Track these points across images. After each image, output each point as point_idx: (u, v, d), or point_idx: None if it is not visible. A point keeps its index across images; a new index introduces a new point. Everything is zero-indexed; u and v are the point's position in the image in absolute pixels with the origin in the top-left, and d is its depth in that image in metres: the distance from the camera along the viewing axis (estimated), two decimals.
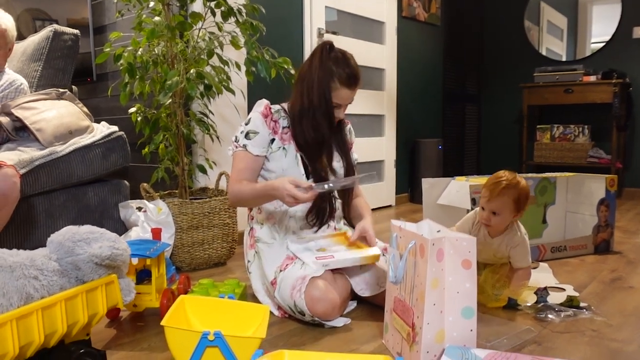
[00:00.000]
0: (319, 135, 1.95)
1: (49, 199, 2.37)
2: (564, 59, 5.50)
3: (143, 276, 1.90)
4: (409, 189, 4.82)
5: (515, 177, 1.98)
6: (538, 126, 5.36)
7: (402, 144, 4.67)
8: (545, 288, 2.00)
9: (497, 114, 5.81)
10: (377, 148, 4.39)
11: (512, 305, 1.97)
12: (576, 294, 2.10)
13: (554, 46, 5.61)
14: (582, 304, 1.97)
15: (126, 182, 2.67)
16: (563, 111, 5.29)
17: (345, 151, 2.10)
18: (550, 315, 1.86)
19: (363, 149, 4.15)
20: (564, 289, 2.18)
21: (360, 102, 4.12)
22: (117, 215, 2.57)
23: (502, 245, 2.02)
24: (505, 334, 1.71)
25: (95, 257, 1.31)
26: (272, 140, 1.97)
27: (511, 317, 1.90)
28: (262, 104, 2.00)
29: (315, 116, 1.93)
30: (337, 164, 2.05)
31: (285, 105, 2.06)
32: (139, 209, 2.53)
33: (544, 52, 5.57)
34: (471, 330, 1.40)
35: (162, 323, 1.22)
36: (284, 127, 2.00)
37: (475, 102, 5.80)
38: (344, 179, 1.97)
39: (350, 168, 2.09)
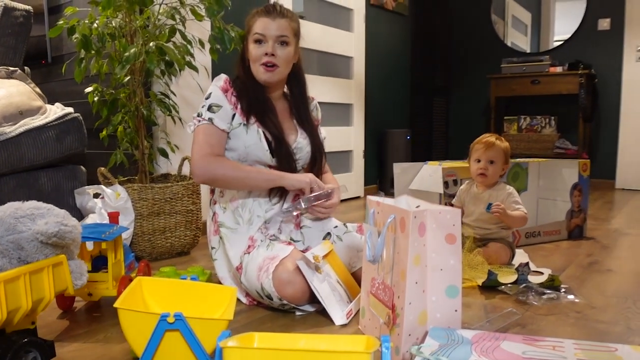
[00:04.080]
0: (252, 89, 1.87)
1: None
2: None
3: (99, 264, 1.76)
4: (377, 180, 4.73)
5: (498, 136, 2.32)
6: (505, 117, 5.34)
7: (370, 134, 4.58)
8: (527, 263, 1.93)
9: (465, 105, 5.76)
10: (345, 138, 4.29)
11: (492, 282, 1.88)
12: (556, 274, 2.03)
13: (518, 41, 5.62)
14: (563, 286, 1.90)
15: (82, 167, 2.51)
16: (530, 102, 5.28)
17: (311, 128, 1.98)
18: (531, 297, 1.78)
19: (331, 138, 4.04)
20: (542, 273, 2.11)
21: (328, 90, 4.02)
22: (72, 202, 2.41)
23: (492, 198, 2.24)
24: (487, 316, 1.62)
25: (41, 235, 1.17)
26: (233, 116, 1.83)
27: (491, 299, 1.82)
28: (221, 78, 1.87)
29: (244, 74, 1.89)
30: (303, 140, 1.93)
31: None
32: (96, 195, 2.37)
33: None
34: (456, 310, 1.30)
35: (116, 305, 1.09)
36: None
37: (443, 93, 5.74)
38: (315, 194, 1.83)
39: (317, 144, 1.97)
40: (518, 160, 2.95)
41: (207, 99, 1.83)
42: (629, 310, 1.72)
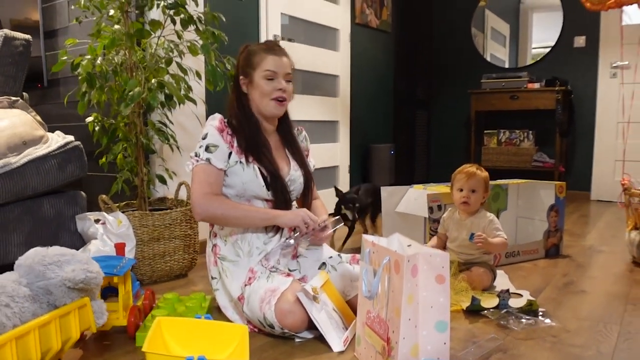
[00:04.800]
0: (249, 126, 1.99)
1: (2, 212, 2.28)
2: (506, 64, 5.68)
3: (107, 293, 1.86)
4: None
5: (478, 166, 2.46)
6: (485, 131, 5.51)
7: (355, 149, 4.72)
8: (507, 290, 2.07)
9: (447, 119, 5.93)
10: (332, 154, 4.43)
11: (475, 307, 2.03)
12: (534, 299, 2.17)
13: (497, 52, 5.79)
14: (540, 310, 2.05)
15: (83, 193, 2.60)
16: (509, 117, 5.44)
17: (301, 159, 2.12)
18: (512, 322, 1.93)
19: (318, 155, 4.17)
20: (521, 295, 2.25)
21: (315, 108, 4.15)
22: (74, 227, 2.50)
23: (474, 225, 2.37)
24: (472, 343, 1.76)
25: (69, 281, 1.28)
26: (229, 154, 1.95)
27: (475, 323, 1.96)
28: (216, 118, 1.98)
29: (242, 110, 2.00)
30: (296, 172, 2.07)
31: None
32: (97, 221, 2.46)
33: (488, 58, 5.73)
34: (444, 343, 1.43)
35: (144, 349, 1.20)
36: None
37: (426, 108, 5.90)
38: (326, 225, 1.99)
39: (308, 175, 2.11)
40: (498, 181, 3.11)
41: (203, 139, 1.93)
42: (600, 333, 1.87)
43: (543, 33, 5.50)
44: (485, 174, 2.42)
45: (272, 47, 1.99)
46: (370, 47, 4.91)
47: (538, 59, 5.44)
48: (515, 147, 5.37)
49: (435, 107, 5.98)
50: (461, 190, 2.38)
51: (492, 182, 3.02)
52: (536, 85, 5.12)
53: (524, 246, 2.91)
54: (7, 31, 2.65)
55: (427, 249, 1.46)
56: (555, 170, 5.06)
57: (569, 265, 2.81)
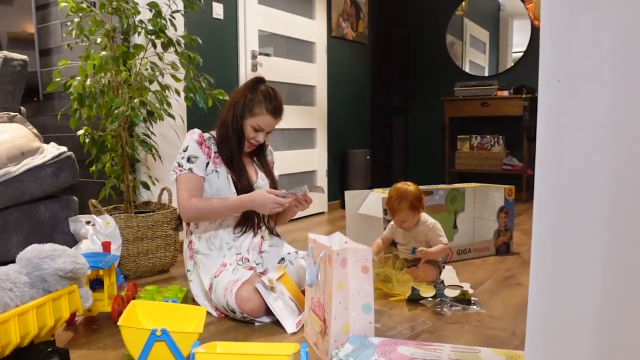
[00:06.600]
0: (230, 147, 2.28)
1: (3, 215, 2.58)
2: (486, 71, 5.95)
3: (95, 284, 2.16)
4: (340, 197, 5.18)
5: (402, 189, 2.57)
6: (458, 136, 5.81)
7: (333, 154, 5.04)
8: (442, 281, 2.38)
9: (422, 125, 6.22)
10: (309, 159, 4.74)
11: (415, 297, 2.33)
12: (470, 290, 2.47)
13: (477, 59, 6.04)
14: (473, 299, 2.35)
15: (75, 197, 2.90)
16: (480, 122, 5.74)
17: (269, 170, 2.46)
18: (445, 309, 2.23)
19: (297, 160, 4.50)
20: (462, 287, 2.56)
21: (293, 117, 4.45)
22: (67, 229, 2.80)
23: (418, 234, 2.63)
24: (404, 325, 2.07)
25: (60, 271, 1.58)
26: (207, 164, 2.27)
27: (413, 310, 2.26)
28: (195, 132, 2.30)
29: (227, 131, 2.27)
30: (262, 181, 2.39)
31: (213, 132, 2.37)
32: (88, 222, 2.77)
33: (467, 65, 6.01)
34: (370, 322, 1.74)
35: (119, 323, 1.51)
36: (215, 152, 2.31)
37: (402, 114, 6.20)
38: (300, 188, 2.26)
39: (274, 184, 2.43)
40: (456, 185, 3.42)
41: (184, 151, 2.25)
42: (519, 319, 2.18)
43: (524, 39, 5.72)
44: (409, 197, 2.54)
45: (276, 111, 2.29)
46: (347, 58, 5.23)
47: (510, 66, 5.73)
48: (487, 151, 5.67)
49: (412, 113, 6.27)
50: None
51: (449, 186, 3.35)
52: (505, 93, 5.42)
53: (475, 244, 3.22)
54: (6, 53, 2.95)
55: (356, 245, 1.77)
56: (524, 173, 5.37)
57: (515, 262, 3.11)
